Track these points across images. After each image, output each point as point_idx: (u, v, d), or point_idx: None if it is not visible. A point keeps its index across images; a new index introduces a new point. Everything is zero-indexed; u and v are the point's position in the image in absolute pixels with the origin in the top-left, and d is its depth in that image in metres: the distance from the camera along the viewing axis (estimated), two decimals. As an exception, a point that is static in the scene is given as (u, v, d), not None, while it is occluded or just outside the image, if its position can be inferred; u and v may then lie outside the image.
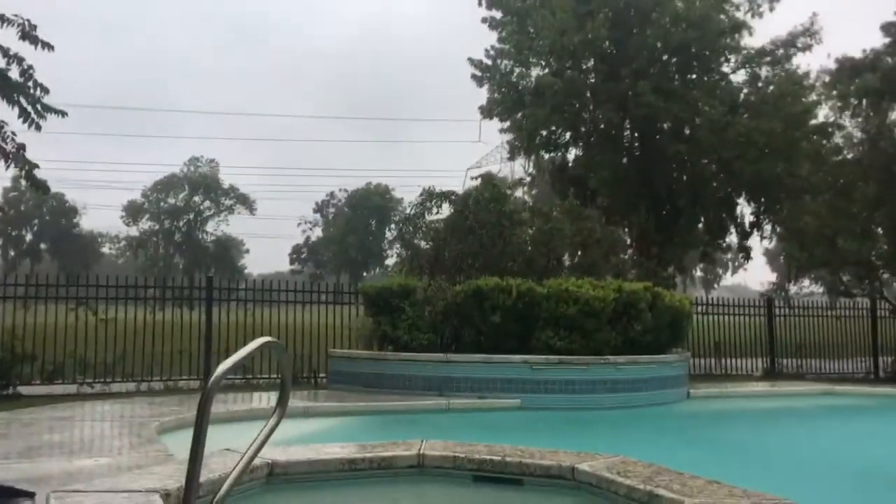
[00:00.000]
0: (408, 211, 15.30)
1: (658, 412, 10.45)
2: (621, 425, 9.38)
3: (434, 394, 10.28)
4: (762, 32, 21.30)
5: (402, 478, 4.38)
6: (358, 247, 78.20)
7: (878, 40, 20.65)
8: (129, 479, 3.88)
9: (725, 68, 21.08)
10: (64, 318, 12.31)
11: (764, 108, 19.25)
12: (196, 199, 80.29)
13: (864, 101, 19.70)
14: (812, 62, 54.30)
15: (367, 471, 4.35)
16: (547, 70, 20.87)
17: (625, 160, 21.07)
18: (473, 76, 21.58)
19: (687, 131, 20.25)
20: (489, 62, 21.38)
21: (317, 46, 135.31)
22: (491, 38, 21.34)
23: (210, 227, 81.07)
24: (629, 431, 9.04)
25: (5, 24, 9.73)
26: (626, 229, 21.14)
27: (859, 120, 19.92)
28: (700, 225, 21.45)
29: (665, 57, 20.62)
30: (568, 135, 21.71)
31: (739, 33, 20.29)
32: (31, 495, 3.98)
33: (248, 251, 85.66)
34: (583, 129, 21.36)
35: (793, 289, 29.70)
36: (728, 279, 75.51)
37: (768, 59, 20.65)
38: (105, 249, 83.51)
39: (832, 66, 20.81)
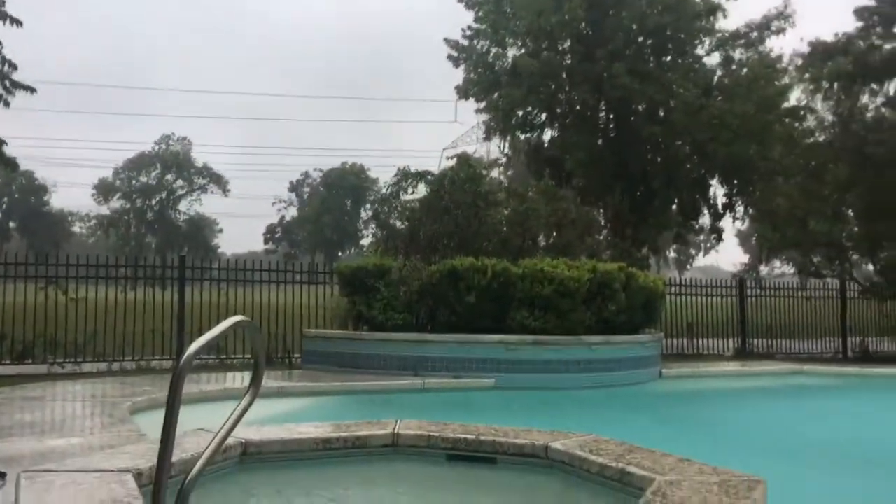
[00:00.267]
0: (383, 191, 15.25)
1: (631, 392, 10.55)
2: (595, 405, 9.46)
3: (409, 373, 10.30)
4: (737, 15, 21.51)
5: (377, 457, 4.39)
6: (333, 227, 77.86)
7: (851, 24, 20.85)
8: (101, 458, 3.85)
9: (700, 51, 21.18)
10: (34, 298, 12.14)
11: (737, 90, 19.38)
12: (168, 177, 79.40)
13: (836, 85, 19.87)
14: (785, 45, 54.70)
15: (342, 450, 4.35)
16: (523, 50, 20.84)
17: (600, 141, 21.13)
18: (450, 56, 21.49)
19: (661, 113, 20.34)
20: (465, 42, 21.29)
21: (293, 24, 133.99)
22: (468, 17, 21.27)
23: (183, 206, 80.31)
24: (602, 411, 9.12)
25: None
26: (601, 210, 21.23)
27: (831, 103, 20.10)
28: (674, 206, 21.60)
29: (640, 39, 20.66)
30: (544, 116, 21.72)
31: (714, 16, 20.36)
32: (1, 475, 3.94)
33: (221, 231, 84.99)
34: (558, 111, 21.38)
35: (764, 270, 30.09)
36: (701, 260, 76.17)
37: (742, 41, 20.77)
38: (76, 228, 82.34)
39: (805, 49, 20.97)
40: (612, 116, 21.41)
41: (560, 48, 20.76)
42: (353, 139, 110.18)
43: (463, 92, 21.75)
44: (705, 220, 22.35)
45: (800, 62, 20.78)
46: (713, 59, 21.21)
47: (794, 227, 17.33)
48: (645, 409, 9.83)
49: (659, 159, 20.91)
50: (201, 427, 4.22)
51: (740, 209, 21.46)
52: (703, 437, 7.26)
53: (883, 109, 19.99)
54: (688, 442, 6.15)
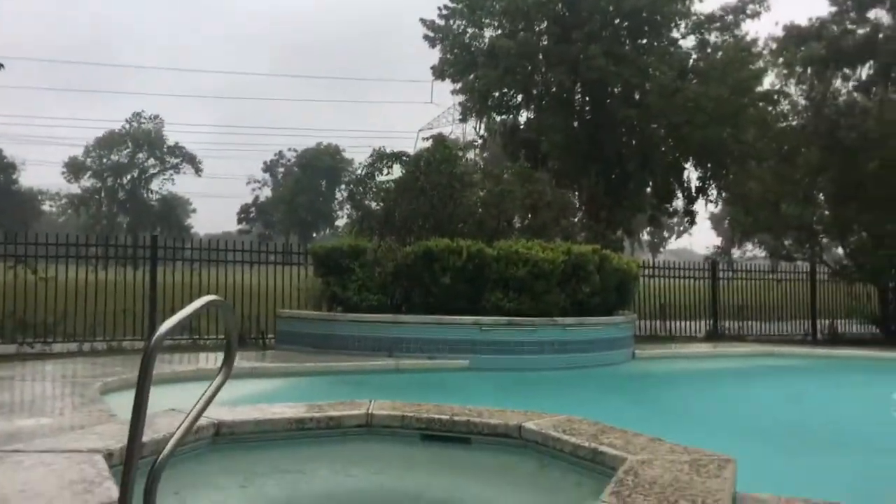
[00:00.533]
0: (358, 171, 15.16)
1: (604, 373, 10.63)
2: (568, 385, 9.53)
3: (383, 354, 10.30)
4: (712, -2, 21.49)
5: (351, 437, 4.38)
6: (307, 207, 77.41)
7: (825, 9, 20.96)
8: (71, 438, 3.81)
9: (675, 34, 21.20)
10: (2, 277, 11.96)
11: (712, 74, 19.45)
12: (140, 156, 78.39)
13: (810, 69, 20.02)
14: (761, 29, 55.01)
15: (315, 430, 4.34)
16: (500, 31, 20.74)
17: (576, 124, 21.14)
18: (426, 37, 21.33)
19: (637, 96, 20.37)
20: (442, 22, 21.15)
21: (268, 3, 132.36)
22: (444, -4, 21.10)
23: (155, 185, 79.39)
24: (576, 391, 9.19)
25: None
26: (576, 192, 21.28)
27: (804, 87, 20.25)
28: (648, 189, 21.70)
29: (617, 21, 20.63)
30: (520, 97, 21.67)
31: (690, -1, 20.41)
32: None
33: (194, 211, 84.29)
34: (534, 92, 21.34)
35: (736, 253, 30.37)
36: (674, 243, 76.87)
37: (718, 25, 20.84)
38: (46, 207, 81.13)
39: (780, 33, 21.08)
40: (587, 99, 21.41)
41: (537, 29, 20.69)
42: (329, 119, 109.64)
43: (439, 73, 21.63)
44: (679, 203, 22.50)
45: (774, 46, 20.89)
46: (689, 43, 21.27)
47: (766, 211, 17.50)
48: (618, 389, 9.92)
49: (634, 142, 20.98)
50: (173, 407, 4.18)
51: (713, 192, 21.62)
52: (674, 417, 7.34)
53: (855, 94, 20.18)
54: (660, 422, 6.22)
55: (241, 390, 7.07)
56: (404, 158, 13.76)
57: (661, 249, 73.90)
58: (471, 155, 21.70)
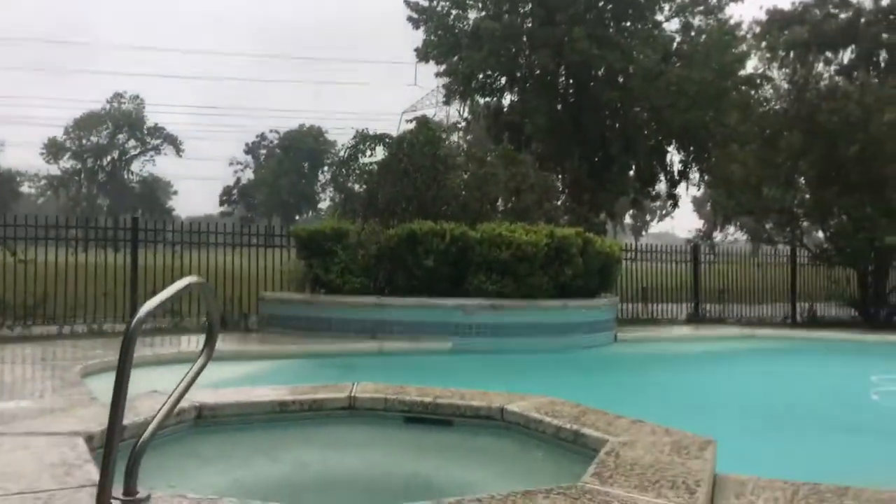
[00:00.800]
0: (341, 154, 15.08)
1: (587, 355, 10.69)
2: (551, 368, 9.57)
3: (366, 337, 10.29)
4: (697, -19, 21.46)
5: (334, 420, 4.37)
6: (290, 190, 77.00)
7: (809, -7, 21.02)
8: (52, 421, 3.78)
9: (659, 17, 21.21)
10: (-20, 259, 11.84)
11: (695, 57, 19.50)
12: (120, 137, 77.58)
13: (792, 53, 20.08)
14: (744, 13, 55.09)
15: (298, 413, 4.33)
16: (484, 13, 20.65)
17: (559, 107, 21.14)
18: (410, 18, 21.21)
19: (620, 79, 20.38)
20: (426, 3, 21.02)
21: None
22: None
23: (135, 167, 78.71)
24: (558, 374, 9.23)
25: None
26: (560, 175, 21.31)
27: (787, 71, 20.31)
28: (631, 172, 21.77)
29: (601, 3, 20.61)
30: (504, 80, 21.63)
31: (674, -20, 20.41)
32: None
33: (176, 193, 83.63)
34: (518, 75, 21.30)
35: (718, 236, 30.55)
36: (656, 226, 77.12)
37: (701, 8, 20.86)
38: (24, 188, 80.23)
39: (763, 17, 21.12)
40: (571, 82, 21.41)
41: (521, 11, 20.63)
42: (311, 101, 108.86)
43: (423, 55, 21.55)
44: (662, 186, 22.59)
45: (758, 30, 20.94)
46: (672, 26, 21.31)
47: (748, 194, 17.57)
48: (600, 372, 9.98)
49: (617, 125, 21.02)
50: (155, 390, 4.16)
51: (696, 175, 21.72)
52: (656, 399, 7.39)
53: (837, 78, 20.26)
54: (642, 404, 6.26)
55: (223, 373, 7.04)
56: (387, 140, 13.70)
57: (644, 233, 74.17)
58: (454, 137, 21.64)
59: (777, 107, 18.20)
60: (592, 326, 11.38)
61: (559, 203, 18.56)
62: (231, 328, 12.11)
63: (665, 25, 21.29)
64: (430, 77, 24.68)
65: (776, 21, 20.58)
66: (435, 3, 21.09)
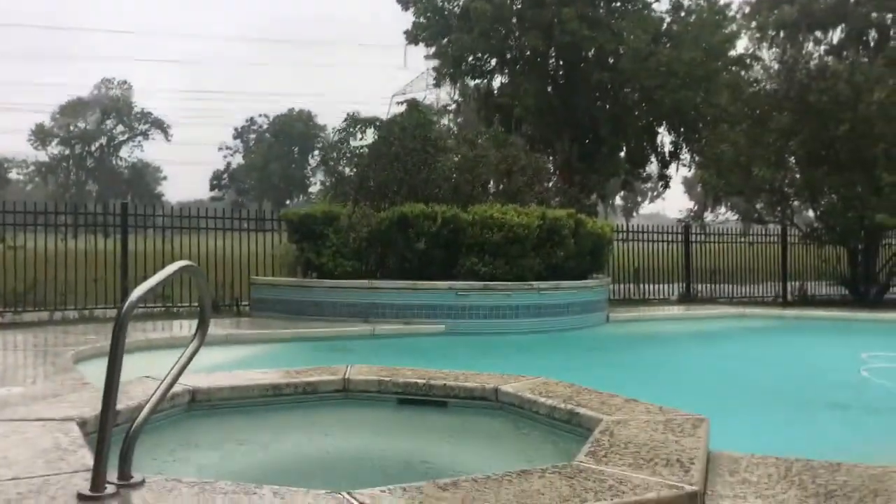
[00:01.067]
0: (332, 137, 15.01)
1: (579, 336, 10.72)
2: (543, 349, 9.60)
3: (359, 320, 10.30)
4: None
5: (328, 402, 4.38)
6: (280, 174, 76.72)
7: (798, -28, 20.97)
8: (44, 407, 3.77)
9: (649, -4, 21.14)
10: (-31, 246, 11.77)
11: (685, 37, 19.45)
12: (108, 123, 77.05)
13: (782, 33, 20.08)
14: (733, -7, 54.82)
15: (292, 396, 4.33)
16: (474, -6, 20.51)
17: (550, 88, 21.08)
18: (398, -1, 21.09)
19: (610, 60, 20.33)
20: (415, -16, 20.90)
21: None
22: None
23: (124, 152, 78.27)
24: (551, 354, 9.27)
25: None
26: (551, 157, 21.28)
27: (777, 51, 20.30)
28: (622, 154, 21.75)
29: (591, -17, 20.51)
30: (494, 62, 21.55)
31: (664, -39, 20.33)
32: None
33: (165, 178, 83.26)
34: (508, 56, 21.22)
35: (709, 216, 30.60)
36: (647, 207, 77.21)
37: (692, -13, 20.78)
38: (13, 175, 79.72)
39: (753, -3, 21.08)
40: (561, 63, 21.34)
41: (511, -8, 20.52)
42: (301, 85, 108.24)
43: (412, 37, 21.43)
44: (652, 167, 22.60)
45: (747, 10, 20.92)
46: (662, 6, 21.24)
47: (738, 174, 17.59)
48: (593, 352, 10.01)
49: (608, 107, 20.98)
50: (147, 375, 4.15)
51: (686, 156, 21.73)
52: (649, 378, 7.42)
53: (827, 58, 20.28)
54: (635, 383, 6.28)
55: (216, 357, 7.04)
56: (378, 124, 13.65)
57: (635, 214, 74.32)
58: (445, 120, 21.62)
59: (767, 87, 18.20)
60: (585, 307, 11.40)
61: (550, 185, 18.55)
62: (223, 313, 12.09)
63: (655, 6, 21.24)
64: (420, 59, 24.57)
65: (766, 1, 20.55)
66: (424, -17, 20.97)
